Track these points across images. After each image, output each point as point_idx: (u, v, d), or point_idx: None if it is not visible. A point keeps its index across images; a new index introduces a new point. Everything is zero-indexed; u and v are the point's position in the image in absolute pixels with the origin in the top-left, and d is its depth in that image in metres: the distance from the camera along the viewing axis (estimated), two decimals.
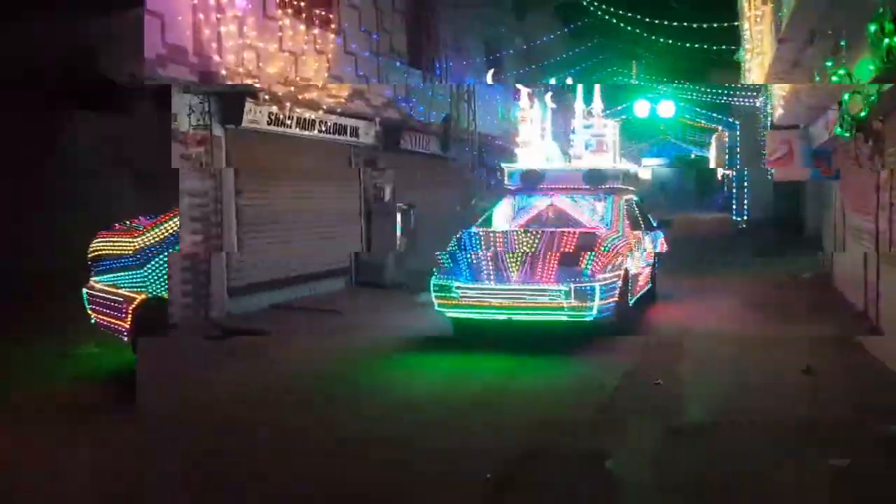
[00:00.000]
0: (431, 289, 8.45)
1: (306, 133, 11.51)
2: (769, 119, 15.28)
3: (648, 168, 58.15)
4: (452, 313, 8.47)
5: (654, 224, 11.67)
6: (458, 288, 8.22)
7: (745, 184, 24.83)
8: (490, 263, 8.21)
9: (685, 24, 16.40)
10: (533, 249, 8.23)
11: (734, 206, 26.11)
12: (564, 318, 8.06)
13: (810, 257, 15.56)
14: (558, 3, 24.39)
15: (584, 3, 17.29)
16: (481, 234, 8.76)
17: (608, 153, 10.67)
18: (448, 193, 14.98)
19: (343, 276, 13.03)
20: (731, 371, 7.36)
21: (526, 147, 10.69)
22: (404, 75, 14.58)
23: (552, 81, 23.58)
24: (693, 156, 53.81)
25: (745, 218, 25.14)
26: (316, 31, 11.81)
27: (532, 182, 10.06)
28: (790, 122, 13.48)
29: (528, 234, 8.57)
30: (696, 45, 17.21)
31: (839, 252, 12.11)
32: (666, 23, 15.12)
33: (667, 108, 25.31)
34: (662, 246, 11.69)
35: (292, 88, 10.67)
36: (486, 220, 9.62)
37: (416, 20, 14.46)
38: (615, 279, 8.46)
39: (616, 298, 8.48)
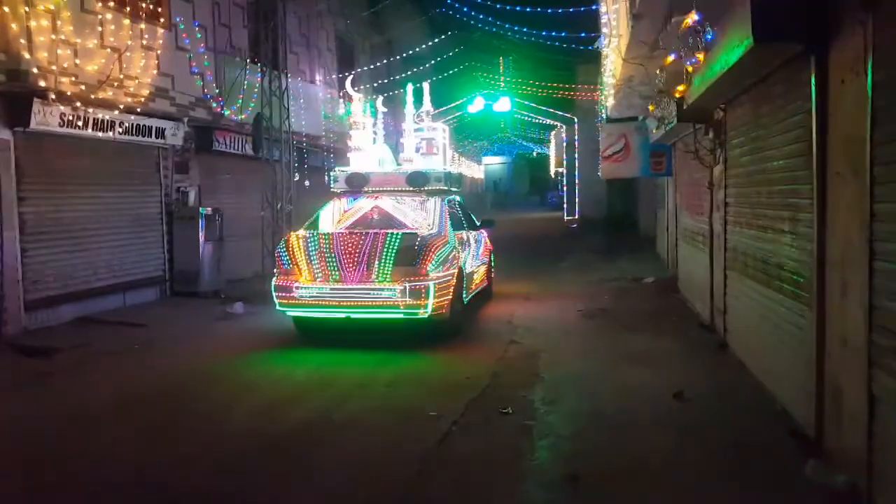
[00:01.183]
0: (273, 289, 8.56)
1: (104, 135, 10.44)
2: (605, 112, 14.55)
3: (481, 167, 59.04)
4: (293, 312, 8.70)
5: (478, 224, 11.71)
6: (297, 288, 8.38)
7: (577, 181, 24.65)
8: (326, 264, 8.39)
9: (549, 12, 15.54)
10: (365, 250, 8.35)
11: (565, 205, 25.97)
12: (400, 316, 8.26)
13: (651, 261, 15.22)
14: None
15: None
16: (313, 235, 8.78)
17: (438, 156, 10.67)
18: (260, 197, 13.44)
19: (157, 285, 12.16)
20: (590, 396, 6.20)
21: (358, 151, 10.53)
22: (244, 72, 13.30)
23: (407, 84, 22.38)
24: (535, 154, 54.83)
25: (577, 217, 24.98)
26: (143, 25, 10.99)
27: (357, 185, 10.09)
28: (624, 112, 12.81)
29: (358, 236, 8.62)
30: (560, 39, 16.35)
31: (680, 256, 11.53)
32: (528, 12, 14.02)
33: (503, 104, 24.67)
34: (486, 245, 11.85)
35: (83, 87, 9.66)
36: (313, 222, 9.57)
37: (259, 14, 13.10)
38: (449, 277, 8.68)
39: (450, 296, 8.67)
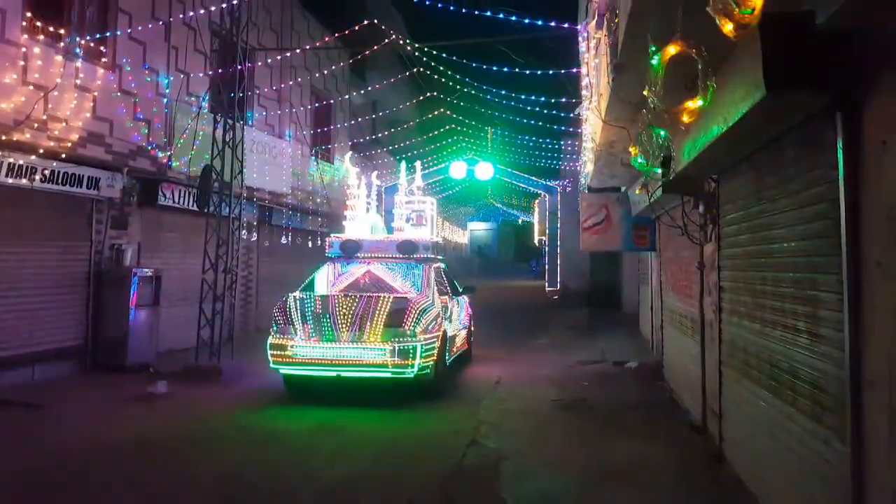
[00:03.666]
0: (268, 347, 8.98)
1: (22, 182, 9.24)
2: (586, 181, 13.59)
3: (466, 232, 58.45)
4: (286, 370, 9.04)
5: (460, 290, 12.11)
6: (291, 347, 8.79)
7: (559, 252, 23.63)
8: (320, 324, 8.83)
9: (531, 96, 14.93)
10: (357, 312, 8.82)
11: (547, 276, 24.89)
12: (388, 375, 8.71)
13: (635, 341, 14.04)
14: (393, 60, 22.77)
15: (424, 63, 15.41)
16: (309, 297, 9.27)
17: (426, 226, 11.48)
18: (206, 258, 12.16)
19: (75, 357, 10.62)
20: None
21: (353, 219, 11.32)
22: (198, 122, 12.16)
23: (387, 145, 21.62)
24: (521, 221, 54.26)
25: (559, 288, 23.86)
26: (79, 63, 10.06)
27: (350, 251, 10.67)
28: (605, 183, 11.84)
29: (352, 298, 9.11)
30: (541, 104, 15.62)
31: (666, 340, 10.36)
32: (509, 74, 13.29)
33: (485, 170, 23.86)
34: (467, 310, 12.37)
35: None
36: (308, 284, 10.09)
37: (224, 62, 12.08)
38: (434, 339, 9.18)
39: (434, 357, 9.15)
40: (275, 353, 8.86)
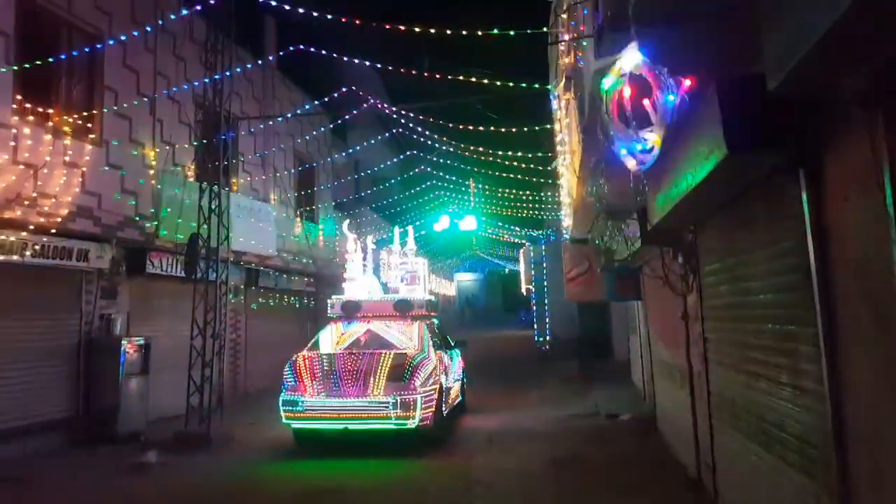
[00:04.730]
0: (280, 404, 9.50)
1: (13, 258, 9.37)
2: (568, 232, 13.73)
3: (453, 283, 58.47)
4: (297, 425, 9.56)
5: (453, 343, 12.70)
6: (302, 402, 9.32)
7: (546, 302, 23.63)
8: (328, 381, 9.42)
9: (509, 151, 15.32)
10: (361, 368, 9.43)
11: (535, 325, 24.83)
12: (392, 427, 9.20)
13: (627, 391, 13.96)
14: (373, 121, 23.21)
15: (403, 124, 15.76)
16: (317, 356, 9.87)
17: (419, 285, 12.31)
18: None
19: (65, 428, 10.48)
20: None
21: (351, 281, 12.02)
22: (184, 191, 12.39)
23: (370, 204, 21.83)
24: (507, 271, 54.30)
25: (548, 338, 23.78)
26: (68, 141, 10.22)
27: (351, 311, 11.29)
28: (586, 234, 11.98)
29: (355, 356, 9.77)
30: (518, 159, 15.94)
31: (658, 391, 10.32)
32: (486, 132, 13.63)
33: (469, 223, 24.13)
34: (460, 363, 12.91)
35: None
36: (314, 343, 10.61)
37: (207, 132, 12.19)
38: (432, 392, 9.80)
39: (433, 409, 9.74)
40: (287, 409, 9.40)
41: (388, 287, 12.43)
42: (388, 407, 9.06)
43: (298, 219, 18.85)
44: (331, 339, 10.70)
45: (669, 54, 4.01)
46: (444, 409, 10.50)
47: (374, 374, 9.28)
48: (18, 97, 9.42)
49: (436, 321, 12.30)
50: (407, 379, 9.27)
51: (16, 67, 9.18)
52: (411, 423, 9.10)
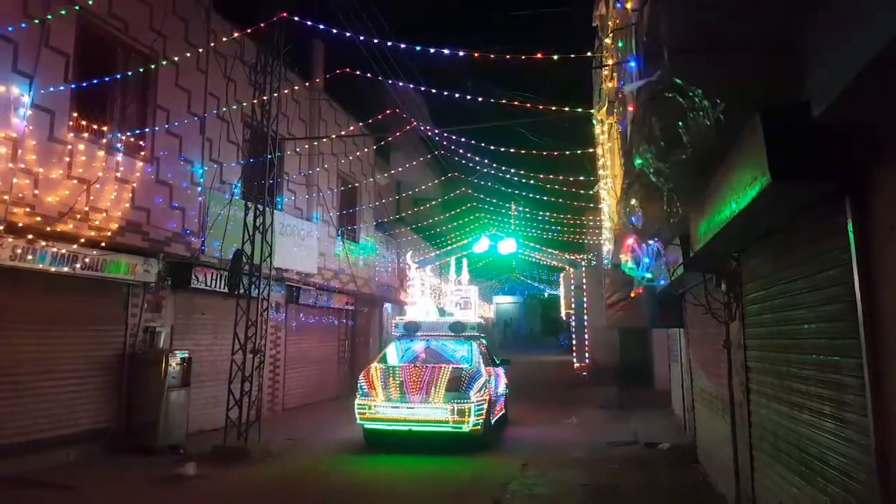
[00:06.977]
0: (355, 407, 11.09)
1: (65, 270, 9.66)
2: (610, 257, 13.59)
3: (492, 306, 58.28)
4: (370, 425, 11.07)
5: (497, 362, 14.04)
6: (374, 406, 10.87)
7: (586, 327, 23.33)
8: (397, 389, 10.97)
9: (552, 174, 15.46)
10: (424, 378, 11.01)
11: (574, 350, 24.51)
12: (449, 430, 10.68)
13: (667, 420, 13.67)
14: (416, 143, 23.53)
15: (445, 146, 16.00)
16: (386, 367, 11.65)
17: (471, 309, 14.99)
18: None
19: (107, 438, 10.72)
20: None
21: (413, 304, 14.25)
22: (229, 208, 12.71)
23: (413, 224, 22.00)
24: (546, 294, 53.86)
25: (587, 363, 23.45)
26: (120, 157, 10.57)
27: (411, 331, 13.31)
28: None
29: (418, 368, 11.44)
30: (560, 182, 16.01)
31: (699, 420, 10.10)
32: (529, 156, 13.81)
33: (508, 245, 24.08)
34: (504, 379, 14.15)
35: (39, 219, 8.99)
36: (382, 357, 12.42)
37: (255, 151, 12.45)
38: (483, 402, 11.16)
39: (483, 417, 11.08)
40: (361, 411, 10.96)
41: (444, 310, 14.91)
42: (446, 413, 10.50)
43: (340, 238, 19.10)
44: (396, 353, 12.52)
45: (704, 79, 3.99)
46: (491, 418, 11.80)
47: (434, 385, 10.76)
48: (75, 114, 9.81)
49: (485, 341, 13.87)
50: (463, 390, 10.73)
51: (74, 86, 9.57)
52: (465, 428, 10.58)
